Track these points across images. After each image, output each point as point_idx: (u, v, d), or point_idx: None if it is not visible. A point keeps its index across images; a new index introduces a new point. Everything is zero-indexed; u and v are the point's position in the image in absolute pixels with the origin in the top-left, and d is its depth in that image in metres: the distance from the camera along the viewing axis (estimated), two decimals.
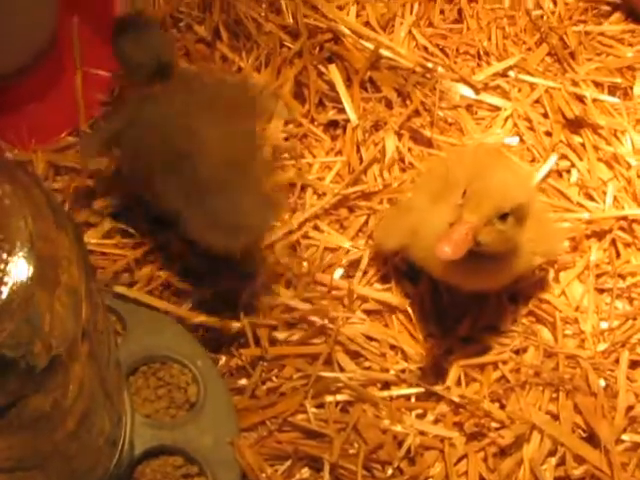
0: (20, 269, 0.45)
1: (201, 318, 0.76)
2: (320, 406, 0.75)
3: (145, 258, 0.80)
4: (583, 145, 0.90)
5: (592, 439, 0.75)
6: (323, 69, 0.92)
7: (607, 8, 1.04)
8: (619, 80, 0.95)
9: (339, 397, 0.75)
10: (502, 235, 0.69)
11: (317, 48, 0.94)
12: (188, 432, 0.70)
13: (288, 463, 0.73)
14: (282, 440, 0.73)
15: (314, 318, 0.77)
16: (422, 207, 0.76)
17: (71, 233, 0.48)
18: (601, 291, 0.83)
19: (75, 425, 0.48)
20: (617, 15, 1.03)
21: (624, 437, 0.75)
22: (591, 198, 0.88)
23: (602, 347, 0.79)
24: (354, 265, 0.81)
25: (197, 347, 0.74)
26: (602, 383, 0.77)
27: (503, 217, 0.69)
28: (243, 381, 0.76)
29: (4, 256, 0.45)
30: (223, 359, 0.77)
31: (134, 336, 0.73)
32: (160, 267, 0.79)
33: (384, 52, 0.92)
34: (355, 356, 0.77)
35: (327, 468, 0.72)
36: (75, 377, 0.46)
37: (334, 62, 0.93)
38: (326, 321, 0.77)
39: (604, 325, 0.81)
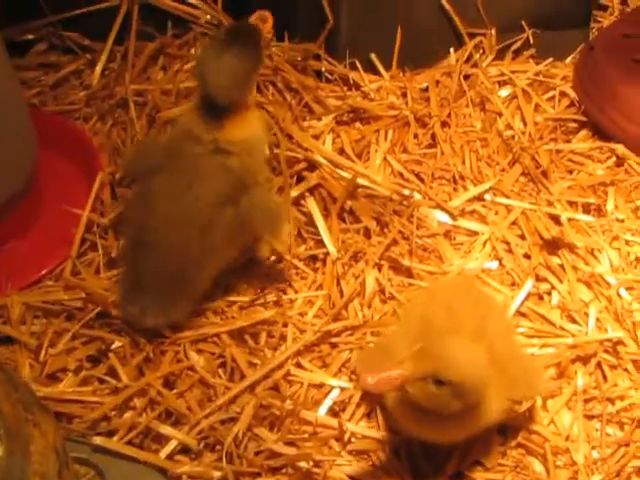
0: None
1: (184, 468, 0.74)
2: None
3: (125, 404, 0.78)
4: (562, 266, 0.91)
5: None
6: (301, 200, 0.93)
7: (574, 125, 1.08)
8: (592, 199, 0.97)
9: None
10: (433, 397, 0.68)
11: (294, 178, 0.95)
12: None
13: None
14: None
15: (299, 463, 0.75)
16: (398, 350, 0.74)
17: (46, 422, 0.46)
18: (590, 417, 0.82)
19: None
20: (584, 132, 1.07)
21: None
22: (574, 321, 0.88)
23: (596, 479, 0.78)
24: (338, 403, 0.80)
25: None
26: None
27: (439, 383, 0.68)
28: None
29: None
30: None
31: None
32: (140, 413, 0.77)
33: (361, 181, 0.94)
34: None
35: None
36: None
37: (312, 192, 0.94)
38: (312, 465, 0.75)
39: (596, 454, 0.80)
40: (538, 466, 0.78)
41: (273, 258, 0.90)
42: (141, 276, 0.81)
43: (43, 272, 0.89)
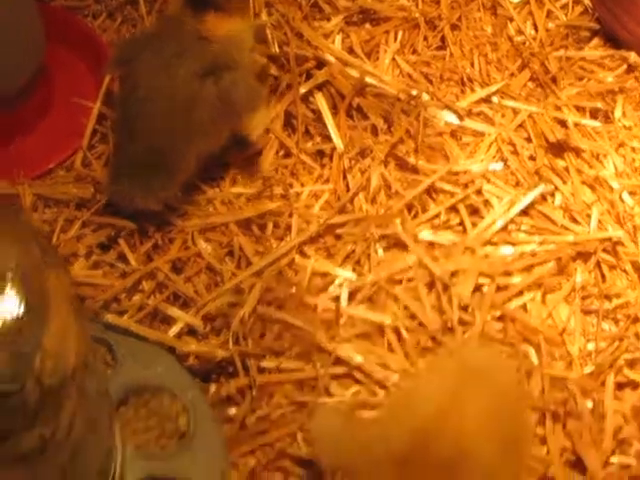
0: (9, 306, 0.46)
1: (191, 347, 0.76)
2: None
3: (134, 287, 0.80)
4: (566, 169, 0.92)
5: (579, 464, 0.76)
6: (310, 97, 0.94)
7: (587, 34, 1.06)
8: (600, 104, 0.97)
9: None
10: None
11: (303, 76, 0.95)
12: (178, 462, 0.69)
13: None
14: (272, 469, 0.74)
15: (303, 343, 0.78)
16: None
17: (59, 268, 0.48)
18: (588, 313, 0.84)
19: (65, 460, 0.48)
20: (596, 40, 1.05)
21: (613, 460, 0.75)
22: (575, 221, 0.89)
23: (589, 369, 0.80)
24: (342, 292, 0.82)
25: (187, 377, 0.75)
26: (589, 405, 0.78)
27: None
28: (232, 410, 0.76)
29: None
30: (213, 388, 0.77)
31: (124, 367, 0.72)
32: (149, 295, 0.79)
33: (369, 79, 0.94)
34: (345, 380, 0.78)
35: None
36: (66, 412, 0.46)
37: (320, 89, 0.94)
38: (315, 345, 0.78)
39: (591, 347, 0.82)
40: (533, 357, 0.81)
41: (281, 153, 0.91)
42: (128, 156, 0.82)
43: (54, 163, 0.91)
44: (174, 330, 0.77)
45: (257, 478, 0.73)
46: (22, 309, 0.46)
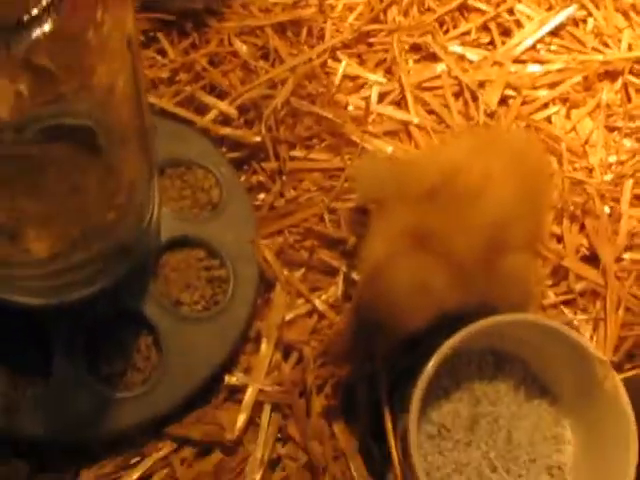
0: None
1: (225, 130, 0.80)
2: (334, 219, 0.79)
3: (172, 77, 0.83)
4: None
5: (594, 259, 0.79)
6: None
7: None
8: None
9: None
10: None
11: None
12: (211, 228, 0.73)
13: (303, 270, 0.77)
14: (299, 247, 0.78)
15: (333, 135, 0.81)
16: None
17: None
18: (611, 129, 0.86)
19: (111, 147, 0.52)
20: None
21: (625, 255, 0.78)
22: (605, 44, 0.90)
23: (608, 177, 0.83)
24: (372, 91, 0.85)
25: (220, 156, 0.78)
26: (607, 210, 0.81)
27: None
28: (262, 195, 0.80)
29: None
30: (243, 177, 0.81)
31: (160, 142, 0.75)
32: (186, 84, 0.82)
33: None
34: None
35: (341, 275, 0.77)
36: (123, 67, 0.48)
37: None
38: (345, 138, 0.81)
39: (612, 159, 0.84)
40: (555, 165, 0.83)
41: None
42: None
43: None
44: (209, 117, 0.81)
45: (285, 255, 0.77)
46: None
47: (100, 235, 0.59)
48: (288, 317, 0.74)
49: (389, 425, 0.66)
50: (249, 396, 0.70)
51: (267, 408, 0.70)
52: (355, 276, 0.76)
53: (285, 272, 0.75)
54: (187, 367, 0.69)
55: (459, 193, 0.61)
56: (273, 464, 0.69)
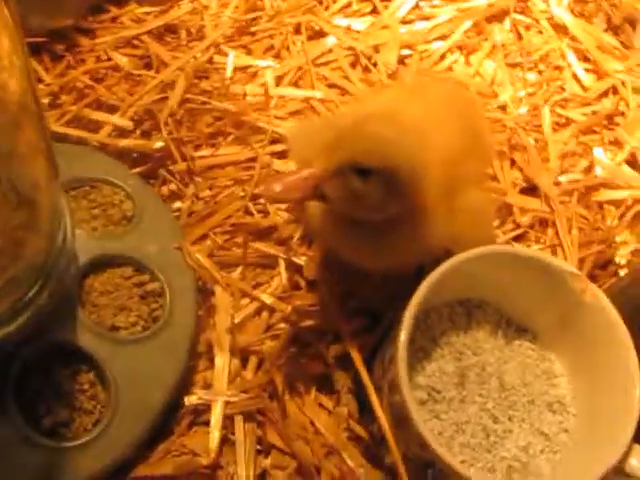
0: None
1: (124, 142, 0.73)
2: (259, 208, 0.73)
3: (54, 102, 0.76)
4: None
5: (533, 190, 0.76)
6: None
7: None
8: None
9: None
10: (358, 198, 0.54)
11: None
12: (131, 241, 0.66)
13: (240, 268, 0.71)
14: (230, 246, 0.72)
15: (237, 127, 0.76)
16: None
17: None
18: (512, 66, 0.85)
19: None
20: None
21: (560, 179, 0.76)
22: None
23: (524, 110, 0.81)
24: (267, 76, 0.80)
25: (125, 169, 0.71)
26: (531, 141, 0.79)
27: (361, 174, 0.53)
28: (178, 204, 0.73)
29: None
30: (154, 188, 0.74)
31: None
32: (70, 104, 0.76)
33: None
34: (286, 157, 0.76)
35: (282, 263, 0.71)
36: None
37: None
38: (250, 126, 0.76)
39: (521, 94, 0.83)
40: None
41: None
42: None
43: None
44: (104, 132, 0.74)
45: (217, 257, 0.70)
46: None
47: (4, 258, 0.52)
48: (237, 320, 0.67)
49: (374, 398, 0.60)
50: (216, 412, 0.62)
51: (239, 420, 0.62)
52: (297, 260, 0.70)
53: (222, 274, 0.69)
54: (139, 397, 0.61)
55: (408, 132, 0.55)
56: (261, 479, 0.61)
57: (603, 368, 0.62)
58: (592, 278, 0.71)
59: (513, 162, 0.77)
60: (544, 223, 0.73)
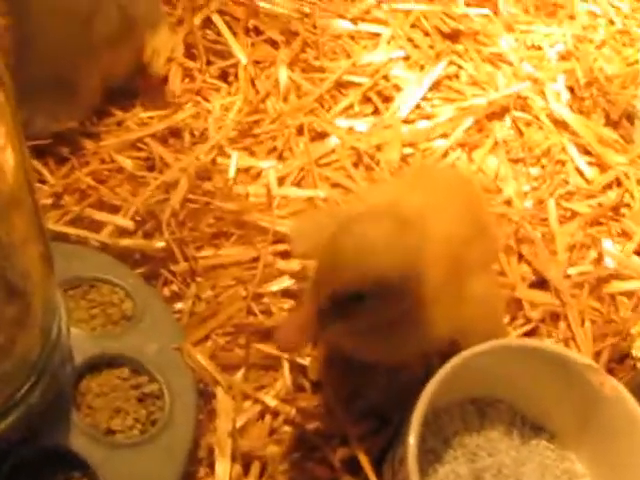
0: None
1: (125, 242, 0.72)
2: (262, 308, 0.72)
3: (56, 202, 0.76)
4: (466, 50, 0.95)
5: (542, 284, 0.74)
6: (205, 29, 0.94)
7: None
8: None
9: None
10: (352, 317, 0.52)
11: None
12: (130, 341, 0.64)
13: (242, 370, 0.68)
14: (232, 347, 0.69)
15: (240, 227, 0.75)
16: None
17: None
18: (515, 162, 0.85)
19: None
20: None
21: (569, 271, 0.75)
22: (484, 89, 0.91)
23: (529, 204, 0.80)
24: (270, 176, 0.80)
25: (125, 268, 0.70)
26: (538, 234, 0.78)
27: (357, 298, 0.51)
28: (179, 305, 0.72)
29: None
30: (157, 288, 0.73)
31: (56, 266, 0.67)
32: (75, 203, 0.75)
33: (261, 3, 0.96)
34: (289, 257, 0.75)
35: (286, 365, 0.68)
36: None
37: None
38: (253, 226, 0.75)
39: (526, 188, 0.82)
40: None
41: (186, 80, 0.90)
42: (27, 79, 0.78)
43: None
44: (105, 232, 0.73)
45: (219, 359, 0.68)
46: None
47: None
48: (239, 423, 0.64)
49: None
50: None
51: None
52: (301, 360, 0.68)
53: (224, 376, 0.67)
54: None
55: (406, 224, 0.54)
56: None
57: (625, 461, 0.58)
58: (609, 372, 0.68)
59: (521, 256, 0.76)
60: (555, 317, 0.71)
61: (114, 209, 0.76)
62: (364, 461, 0.61)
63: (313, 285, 0.51)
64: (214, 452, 0.63)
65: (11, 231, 0.47)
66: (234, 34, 0.93)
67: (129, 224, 0.74)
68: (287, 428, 0.65)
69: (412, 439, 0.54)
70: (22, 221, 0.48)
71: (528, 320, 0.72)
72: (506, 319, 0.71)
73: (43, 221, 0.51)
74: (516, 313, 0.72)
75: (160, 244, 0.73)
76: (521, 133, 0.88)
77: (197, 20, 0.94)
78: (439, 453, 0.61)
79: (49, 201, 0.76)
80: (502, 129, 0.87)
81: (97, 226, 0.74)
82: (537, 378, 0.61)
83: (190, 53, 0.92)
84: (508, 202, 0.80)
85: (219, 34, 0.93)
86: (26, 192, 0.49)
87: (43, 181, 0.78)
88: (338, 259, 0.51)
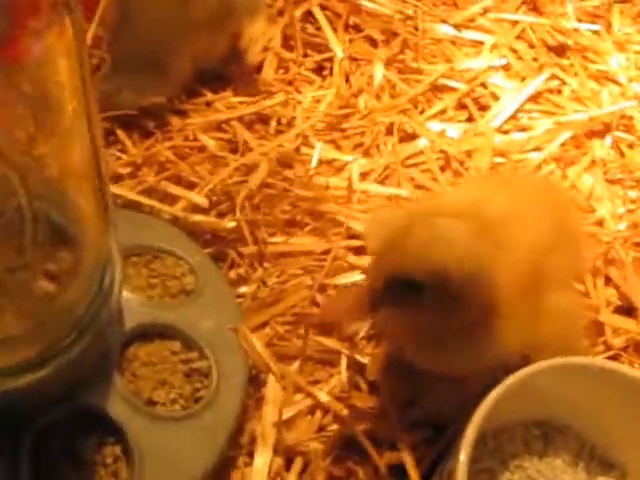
0: None
1: (197, 218, 0.71)
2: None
3: (133, 172, 0.76)
4: (571, 65, 0.90)
5: (629, 310, 0.69)
6: (305, 22, 0.93)
7: None
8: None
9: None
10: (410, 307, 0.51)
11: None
12: (185, 315, 0.63)
13: (298, 362, 0.66)
14: (290, 337, 0.67)
15: (316, 214, 0.73)
16: None
17: None
18: (612, 182, 0.80)
19: None
20: None
21: None
22: (586, 105, 0.86)
23: (622, 226, 0.75)
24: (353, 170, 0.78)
25: (193, 244, 0.69)
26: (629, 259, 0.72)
27: (412, 286, 0.49)
28: (243, 288, 0.70)
29: None
30: (222, 269, 0.71)
31: (123, 232, 0.65)
32: (152, 175, 0.75)
33: (364, 2, 0.94)
34: (361, 252, 0.72)
35: (344, 361, 0.65)
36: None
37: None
38: (329, 218, 0.73)
39: (621, 210, 0.77)
40: None
41: (280, 71, 0.89)
42: (120, 53, 0.80)
43: None
44: (178, 206, 0.73)
45: (276, 347, 0.66)
46: None
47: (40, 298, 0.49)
48: (286, 415, 0.62)
49: None
50: None
51: None
52: (360, 358, 0.65)
53: (279, 365, 0.64)
54: None
55: (485, 227, 0.51)
56: None
57: None
58: None
59: (608, 279, 0.70)
60: (639, 346, 0.66)
61: (190, 185, 0.75)
62: (411, 469, 0.57)
63: (374, 264, 0.48)
64: (256, 441, 0.60)
65: (65, 169, 0.46)
66: (333, 29, 0.91)
67: (204, 201, 0.73)
68: (336, 427, 0.62)
69: (463, 456, 0.50)
70: (80, 157, 0.47)
71: (609, 347, 0.66)
72: (584, 344, 0.66)
73: (104, 170, 0.50)
74: (596, 339, 0.67)
75: (231, 224, 0.71)
76: (622, 154, 0.82)
77: (298, 12, 0.93)
78: (494, 473, 0.57)
79: (126, 170, 0.76)
80: (602, 148, 0.82)
81: (171, 200, 0.74)
82: (613, 406, 0.56)
83: (287, 44, 0.91)
84: (600, 222, 0.75)
85: (318, 28, 0.91)
86: (84, 122, 0.48)
87: (124, 151, 0.78)
88: (405, 243, 0.49)
